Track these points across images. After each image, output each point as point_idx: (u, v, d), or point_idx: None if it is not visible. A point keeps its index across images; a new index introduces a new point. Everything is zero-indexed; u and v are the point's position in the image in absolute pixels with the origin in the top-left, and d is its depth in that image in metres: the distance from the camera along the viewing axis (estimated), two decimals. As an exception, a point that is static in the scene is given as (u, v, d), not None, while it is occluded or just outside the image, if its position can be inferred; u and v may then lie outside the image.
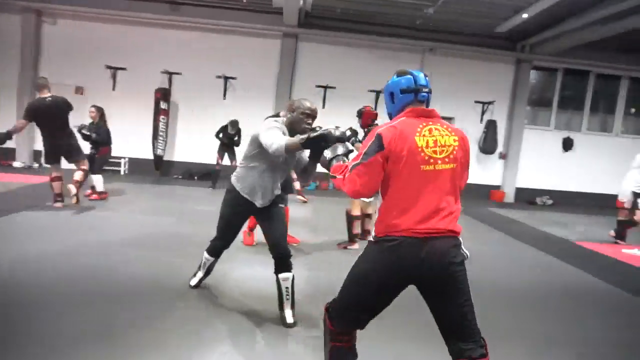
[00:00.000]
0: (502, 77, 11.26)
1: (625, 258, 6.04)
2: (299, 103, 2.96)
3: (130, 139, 10.31)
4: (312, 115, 2.95)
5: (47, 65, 10.19)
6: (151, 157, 10.31)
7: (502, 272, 5.02)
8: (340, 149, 2.38)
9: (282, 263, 3.17)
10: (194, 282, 3.66)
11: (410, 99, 2.08)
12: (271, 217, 3.20)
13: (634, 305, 4.29)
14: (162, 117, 10.08)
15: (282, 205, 3.30)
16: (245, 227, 4.43)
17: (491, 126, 11.00)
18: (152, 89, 10.10)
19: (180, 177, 10.54)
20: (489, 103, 11.10)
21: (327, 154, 2.39)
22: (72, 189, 6.18)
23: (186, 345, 2.77)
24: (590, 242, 6.94)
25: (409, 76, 2.10)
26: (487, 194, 11.30)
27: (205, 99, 10.59)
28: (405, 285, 2.01)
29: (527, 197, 11.34)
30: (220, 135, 9.04)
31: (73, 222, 5.59)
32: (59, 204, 6.13)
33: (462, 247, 2.00)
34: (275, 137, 2.76)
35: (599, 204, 11.20)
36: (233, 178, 3.21)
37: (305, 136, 2.62)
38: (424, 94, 2.09)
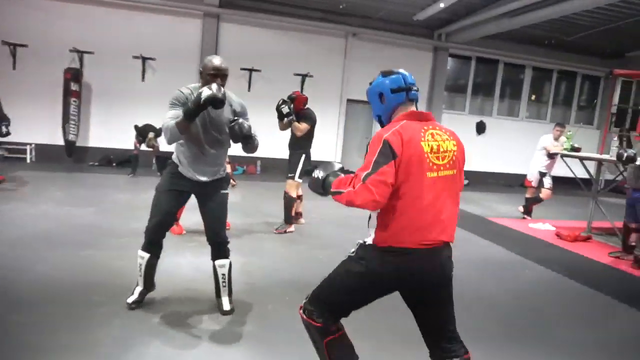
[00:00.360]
0: (421, 64, 11.72)
1: (531, 232, 6.65)
2: (205, 62, 2.80)
3: (37, 124, 9.44)
4: (220, 73, 2.77)
5: None
6: (62, 142, 9.50)
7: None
8: (336, 166, 2.13)
9: (219, 250, 3.08)
10: (131, 299, 3.06)
11: (402, 99, 2.01)
12: (212, 201, 3.01)
13: (537, 272, 4.75)
14: (73, 99, 9.28)
15: (225, 192, 3.10)
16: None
17: (412, 111, 11.45)
18: (61, 69, 9.26)
19: (96, 164, 9.82)
20: (410, 88, 11.52)
21: (318, 173, 2.12)
22: None
23: (120, 344, 2.63)
24: (501, 217, 7.55)
25: (397, 75, 2.02)
26: (408, 176, 11.80)
27: (122, 80, 9.90)
28: (402, 290, 2.01)
29: (445, 178, 12.00)
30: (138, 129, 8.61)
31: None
32: None
33: None
34: (167, 123, 2.67)
35: (507, 182, 12.21)
36: (174, 153, 3.04)
37: (190, 106, 2.58)
38: (415, 92, 2.03)
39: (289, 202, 5.39)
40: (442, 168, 1.90)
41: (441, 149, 1.91)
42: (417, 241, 1.87)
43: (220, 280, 3.10)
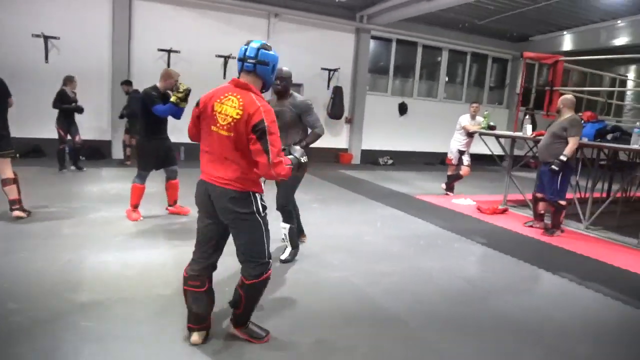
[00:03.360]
0: (345, 45, 11.79)
1: (454, 207, 7.02)
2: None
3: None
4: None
5: None
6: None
7: (362, 228, 5.41)
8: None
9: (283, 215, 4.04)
10: (283, 256, 4.07)
11: (239, 67, 2.41)
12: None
13: (464, 244, 5.03)
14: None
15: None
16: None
17: (338, 92, 11.53)
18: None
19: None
20: (335, 70, 11.58)
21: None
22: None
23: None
24: (426, 194, 7.88)
25: (243, 46, 2.40)
26: (336, 156, 11.96)
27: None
28: (213, 214, 2.45)
29: (371, 159, 12.31)
30: None
31: None
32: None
33: (259, 200, 2.44)
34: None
35: (428, 160, 12.79)
36: None
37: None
38: (248, 64, 2.36)
39: None
40: (220, 127, 2.34)
41: (224, 112, 2.32)
42: (203, 174, 2.45)
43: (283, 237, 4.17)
